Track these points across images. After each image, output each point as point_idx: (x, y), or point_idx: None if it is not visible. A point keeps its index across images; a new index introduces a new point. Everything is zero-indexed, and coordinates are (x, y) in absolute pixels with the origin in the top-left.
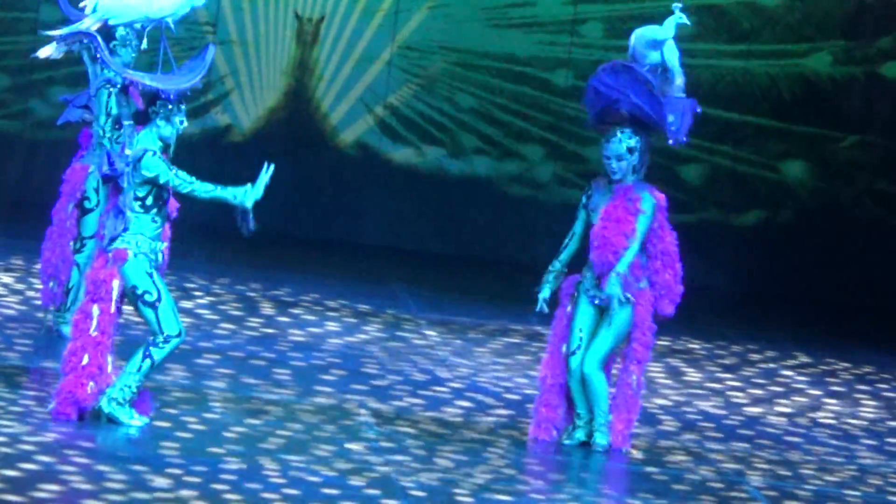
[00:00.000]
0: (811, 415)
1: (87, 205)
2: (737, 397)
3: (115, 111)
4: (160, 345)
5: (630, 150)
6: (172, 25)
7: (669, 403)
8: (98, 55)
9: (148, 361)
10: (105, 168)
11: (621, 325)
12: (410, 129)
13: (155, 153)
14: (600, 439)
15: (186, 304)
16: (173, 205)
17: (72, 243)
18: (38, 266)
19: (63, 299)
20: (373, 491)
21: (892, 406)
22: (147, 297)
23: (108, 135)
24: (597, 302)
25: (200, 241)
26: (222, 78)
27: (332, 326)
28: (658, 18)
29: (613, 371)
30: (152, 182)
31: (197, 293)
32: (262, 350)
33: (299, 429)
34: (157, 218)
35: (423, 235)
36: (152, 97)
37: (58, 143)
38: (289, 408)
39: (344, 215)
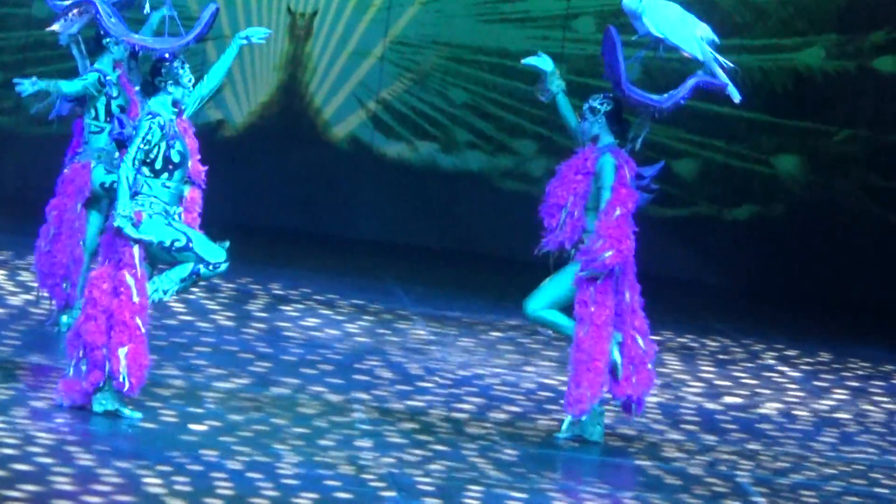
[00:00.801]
0: (803, 409)
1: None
2: (728, 391)
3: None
4: (209, 268)
5: (592, 111)
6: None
7: (662, 398)
8: (101, 24)
9: (194, 277)
10: (115, 131)
11: (565, 276)
12: (403, 123)
13: (154, 117)
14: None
15: (178, 300)
16: (197, 170)
17: (81, 243)
18: (33, 264)
19: (76, 299)
20: (365, 487)
21: (883, 399)
22: (177, 244)
23: (101, 126)
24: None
25: None
26: None
27: (324, 321)
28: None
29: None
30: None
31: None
32: (254, 344)
33: (291, 423)
34: (168, 182)
35: (416, 230)
36: (154, 67)
37: (52, 138)
38: (281, 402)
39: (336, 210)
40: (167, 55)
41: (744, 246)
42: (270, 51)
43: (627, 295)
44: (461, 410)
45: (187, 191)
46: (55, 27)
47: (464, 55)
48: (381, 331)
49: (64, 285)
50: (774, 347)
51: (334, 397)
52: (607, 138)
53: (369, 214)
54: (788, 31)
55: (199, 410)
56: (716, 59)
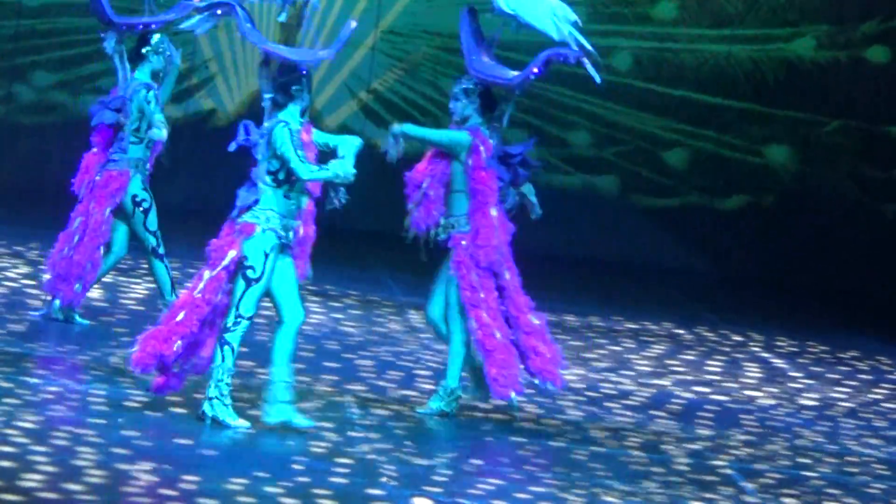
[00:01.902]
0: (794, 398)
1: (144, 206)
2: (720, 381)
3: (154, 111)
4: (231, 328)
5: (465, 92)
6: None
7: (654, 388)
8: (240, 28)
9: (227, 349)
10: (241, 138)
11: (446, 271)
12: (394, 113)
13: (287, 125)
14: (433, 403)
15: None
16: (315, 185)
17: (101, 248)
18: (46, 259)
19: (80, 301)
20: (357, 478)
21: (873, 389)
22: (249, 273)
23: (141, 136)
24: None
25: (179, 225)
26: (206, 62)
27: (314, 310)
28: (640, 3)
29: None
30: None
31: (176, 275)
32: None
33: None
34: (290, 194)
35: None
36: (286, 75)
37: (41, 127)
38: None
39: None
40: (304, 69)
41: (734, 235)
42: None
43: (507, 274)
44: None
45: (305, 202)
46: (189, 23)
47: (454, 45)
48: (371, 320)
49: (76, 286)
50: (765, 336)
51: (325, 387)
52: (475, 119)
53: (360, 204)
54: (780, 21)
55: (192, 399)
56: (576, 40)
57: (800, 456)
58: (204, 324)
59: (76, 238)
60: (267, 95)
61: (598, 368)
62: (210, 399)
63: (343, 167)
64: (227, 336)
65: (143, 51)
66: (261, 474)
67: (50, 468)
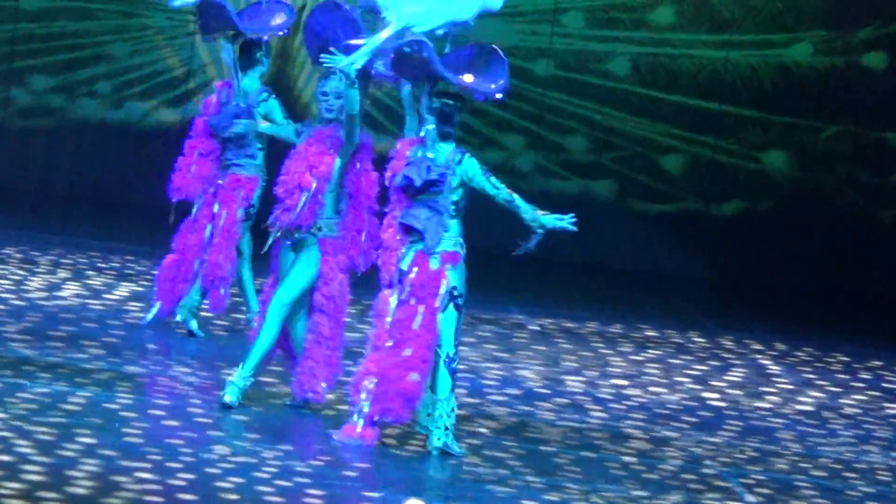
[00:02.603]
0: (789, 402)
1: (251, 212)
2: (716, 385)
3: (280, 118)
4: (455, 357)
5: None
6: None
7: (647, 393)
8: (429, 58)
9: (455, 377)
10: (425, 175)
11: (303, 268)
12: (391, 118)
13: (472, 156)
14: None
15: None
16: None
17: (235, 248)
18: (156, 273)
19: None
20: (351, 483)
21: (870, 394)
22: (460, 301)
23: (261, 146)
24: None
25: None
26: (204, 67)
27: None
28: (637, 9)
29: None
30: (463, 185)
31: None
32: (234, 342)
33: (277, 419)
34: (461, 223)
35: None
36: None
37: (37, 131)
38: (264, 397)
39: None
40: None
41: (731, 241)
42: None
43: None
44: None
45: None
46: (360, 62)
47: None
48: (364, 325)
49: (222, 290)
50: (761, 342)
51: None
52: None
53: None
54: (777, 27)
55: (185, 404)
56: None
57: (796, 461)
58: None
59: (206, 241)
60: (430, 126)
61: (594, 373)
62: (447, 429)
63: (547, 219)
64: (454, 366)
65: (258, 55)
66: (258, 474)
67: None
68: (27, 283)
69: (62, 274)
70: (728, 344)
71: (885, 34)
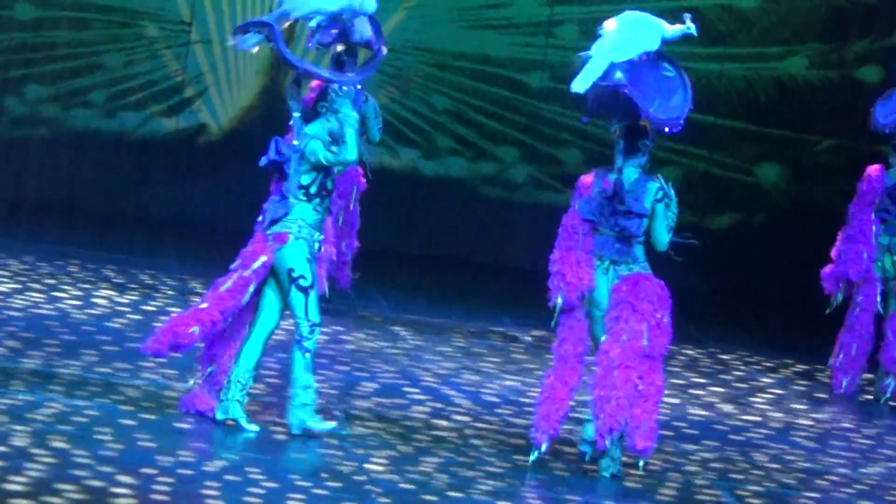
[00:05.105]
0: (783, 416)
1: None
2: (710, 399)
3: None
4: (307, 336)
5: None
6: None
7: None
8: (273, 44)
9: (309, 356)
10: (272, 154)
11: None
12: (385, 130)
13: (319, 140)
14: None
15: (154, 305)
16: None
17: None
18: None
19: None
20: (344, 493)
21: (866, 407)
22: (302, 282)
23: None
24: None
25: (168, 237)
26: (199, 76)
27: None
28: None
29: None
30: (317, 169)
31: (168, 291)
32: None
33: (271, 428)
34: (318, 208)
35: (397, 236)
36: (321, 94)
37: (32, 140)
38: (258, 406)
39: None
40: (341, 87)
41: (726, 254)
42: (253, 55)
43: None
44: (438, 416)
45: (327, 220)
46: (235, 42)
47: (446, 61)
48: (359, 335)
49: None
50: (756, 355)
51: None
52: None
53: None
54: (772, 40)
55: (173, 412)
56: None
57: (789, 475)
58: (225, 324)
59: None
60: (296, 114)
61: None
62: (306, 405)
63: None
64: (307, 344)
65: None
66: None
67: None
68: (21, 294)
69: (49, 282)
70: (721, 356)
71: (879, 48)
